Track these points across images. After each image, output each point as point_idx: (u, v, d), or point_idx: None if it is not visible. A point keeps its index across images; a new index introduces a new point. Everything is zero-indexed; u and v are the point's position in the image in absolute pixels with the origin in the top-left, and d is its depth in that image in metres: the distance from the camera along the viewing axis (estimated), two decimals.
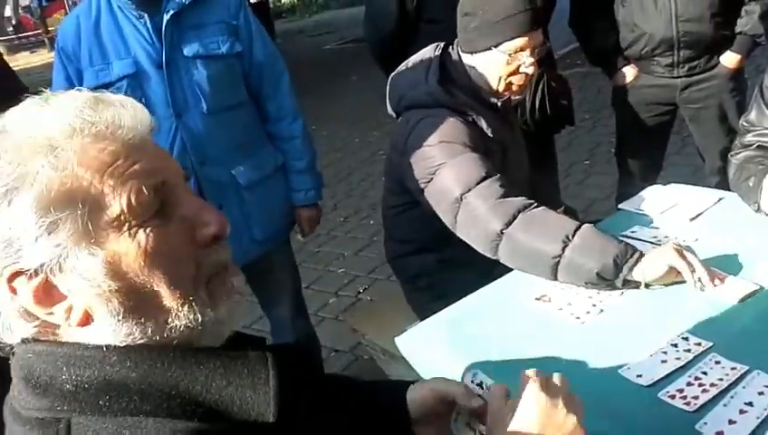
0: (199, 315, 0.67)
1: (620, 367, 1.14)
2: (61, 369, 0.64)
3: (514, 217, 1.46)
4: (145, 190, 0.64)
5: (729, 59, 2.44)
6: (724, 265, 1.36)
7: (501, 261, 1.50)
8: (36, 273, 0.62)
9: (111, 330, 0.65)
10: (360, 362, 2.69)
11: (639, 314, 1.30)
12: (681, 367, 1.11)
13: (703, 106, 2.53)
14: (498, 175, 1.55)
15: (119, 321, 0.64)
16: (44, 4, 19.29)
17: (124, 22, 1.76)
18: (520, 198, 1.50)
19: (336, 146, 5.70)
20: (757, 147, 1.62)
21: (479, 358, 1.23)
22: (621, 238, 1.43)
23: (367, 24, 2.62)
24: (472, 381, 0.98)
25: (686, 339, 1.18)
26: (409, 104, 1.71)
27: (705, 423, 0.98)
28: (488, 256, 1.51)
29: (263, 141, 1.97)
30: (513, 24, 1.60)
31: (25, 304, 0.64)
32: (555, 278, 1.41)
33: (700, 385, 1.06)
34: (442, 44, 1.75)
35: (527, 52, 1.63)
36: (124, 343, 0.65)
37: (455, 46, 1.73)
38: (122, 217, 0.63)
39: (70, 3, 16.91)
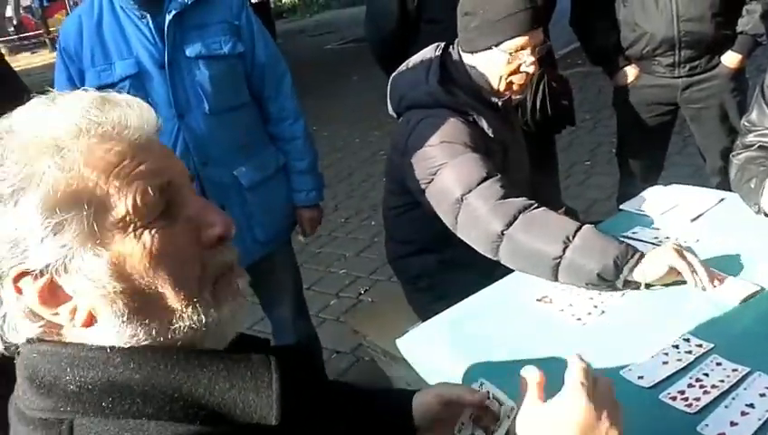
0: (203, 317, 0.67)
1: (622, 368, 1.14)
2: (65, 369, 0.64)
3: (515, 218, 1.46)
4: (150, 191, 0.64)
5: (730, 59, 2.44)
6: (726, 266, 1.36)
7: (501, 262, 1.50)
8: (42, 273, 0.63)
9: (116, 331, 0.65)
10: (362, 363, 2.69)
11: (641, 316, 1.30)
12: (682, 368, 1.11)
13: (704, 106, 2.53)
14: (499, 175, 1.55)
15: (123, 322, 0.64)
16: (45, 4, 19.32)
17: (126, 22, 1.76)
18: (520, 199, 1.50)
19: (337, 146, 5.70)
20: (758, 147, 1.62)
21: (480, 359, 1.23)
22: (622, 239, 1.43)
23: (368, 23, 2.63)
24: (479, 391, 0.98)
25: (688, 340, 1.18)
26: (410, 104, 1.72)
27: (707, 425, 0.98)
28: (489, 256, 1.51)
29: (264, 142, 1.97)
30: (513, 22, 1.60)
31: (31, 305, 0.64)
32: (556, 279, 1.41)
33: (701, 387, 1.06)
34: (442, 44, 1.75)
35: (528, 51, 1.63)
36: (128, 345, 0.65)
37: (455, 46, 1.74)
38: (128, 219, 0.63)
39: (71, 3, 16.92)
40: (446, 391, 0.97)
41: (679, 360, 1.13)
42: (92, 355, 0.65)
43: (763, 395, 1.01)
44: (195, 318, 0.66)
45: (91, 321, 0.65)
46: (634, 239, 1.55)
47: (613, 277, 1.35)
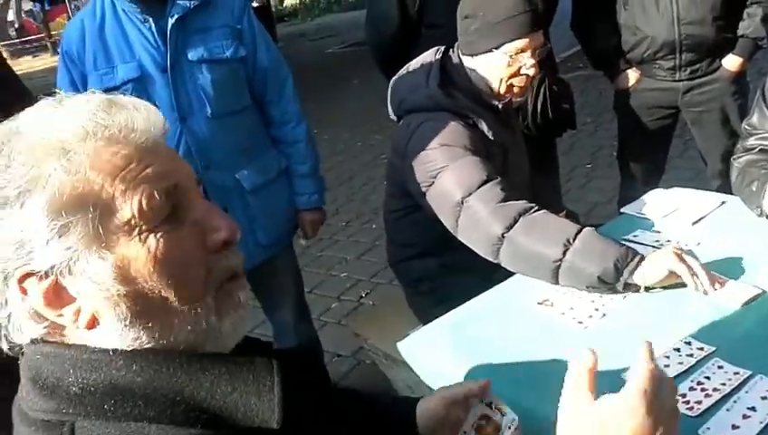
0: (203, 321, 0.67)
1: (623, 371, 1.14)
2: (68, 371, 0.64)
3: (515, 221, 1.46)
4: (156, 195, 0.64)
5: (731, 62, 2.44)
6: (727, 270, 1.36)
7: (502, 265, 1.50)
8: (47, 275, 0.63)
9: (118, 334, 0.65)
10: (363, 366, 2.69)
11: (642, 319, 1.30)
12: (684, 372, 1.11)
13: (705, 109, 2.53)
14: (499, 178, 1.55)
15: (126, 325, 0.65)
16: (47, 8, 19.35)
17: (129, 26, 1.76)
18: (521, 202, 1.50)
19: (338, 150, 5.71)
20: (759, 150, 1.62)
21: (481, 362, 1.23)
22: (623, 242, 1.43)
23: (369, 27, 2.63)
24: (481, 401, 0.98)
25: (689, 343, 1.18)
26: (410, 108, 1.72)
27: (708, 428, 0.98)
28: (489, 259, 1.51)
29: (266, 145, 1.98)
30: (513, 25, 1.61)
31: (35, 306, 0.64)
32: (556, 282, 1.41)
33: (703, 390, 1.06)
34: (443, 48, 1.76)
35: (528, 53, 1.64)
36: (131, 347, 0.65)
37: (455, 49, 1.74)
38: (133, 222, 0.63)
39: (72, 6, 16.96)
40: (449, 393, 0.98)
41: (681, 363, 1.13)
42: (95, 358, 0.65)
43: (764, 398, 1.01)
44: (197, 322, 0.66)
45: (94, 323, 0.65)
46: (635, 242, 1.55)
47: (613, 280, 1.35)
